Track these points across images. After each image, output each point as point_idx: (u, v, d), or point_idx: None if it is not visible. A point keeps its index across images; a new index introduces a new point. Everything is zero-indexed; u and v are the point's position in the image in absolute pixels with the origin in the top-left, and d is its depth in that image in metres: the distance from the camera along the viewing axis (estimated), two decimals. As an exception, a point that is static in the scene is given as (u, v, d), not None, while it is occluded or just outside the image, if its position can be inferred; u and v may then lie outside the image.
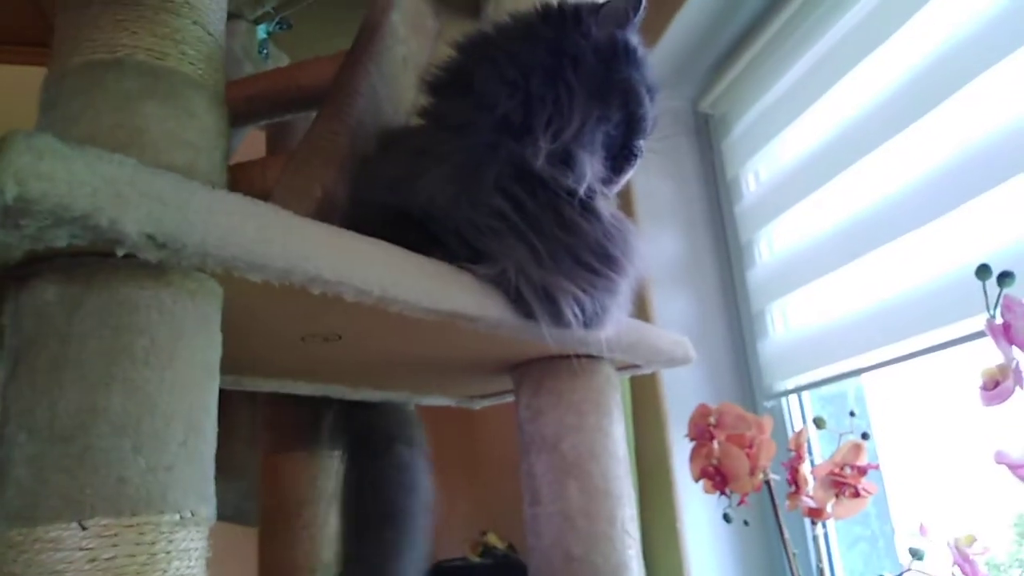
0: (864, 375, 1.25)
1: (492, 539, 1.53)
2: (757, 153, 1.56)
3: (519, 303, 0.62)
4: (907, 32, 1.15)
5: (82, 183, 0.36)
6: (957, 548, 0.91)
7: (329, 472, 0.95)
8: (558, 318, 0.62)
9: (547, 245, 0.62)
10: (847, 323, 1.27)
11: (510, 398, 0.88)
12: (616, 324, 0.68)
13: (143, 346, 0.43)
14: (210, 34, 0.52)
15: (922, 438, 1.21)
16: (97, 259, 0.42)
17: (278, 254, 0.45)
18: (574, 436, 0.75)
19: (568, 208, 0.63)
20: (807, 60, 1.41)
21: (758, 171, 1.59)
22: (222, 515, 0.48)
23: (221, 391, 0.48)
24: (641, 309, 0.88)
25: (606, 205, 0.69)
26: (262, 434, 0.97)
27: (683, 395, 1.47)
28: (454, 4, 0.94)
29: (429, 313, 0.56)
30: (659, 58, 1.67)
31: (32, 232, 0.37)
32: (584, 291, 0.63)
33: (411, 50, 0.81)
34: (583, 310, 0.63)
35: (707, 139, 1.76)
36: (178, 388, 0.44)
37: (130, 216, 0.38)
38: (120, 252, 0.40)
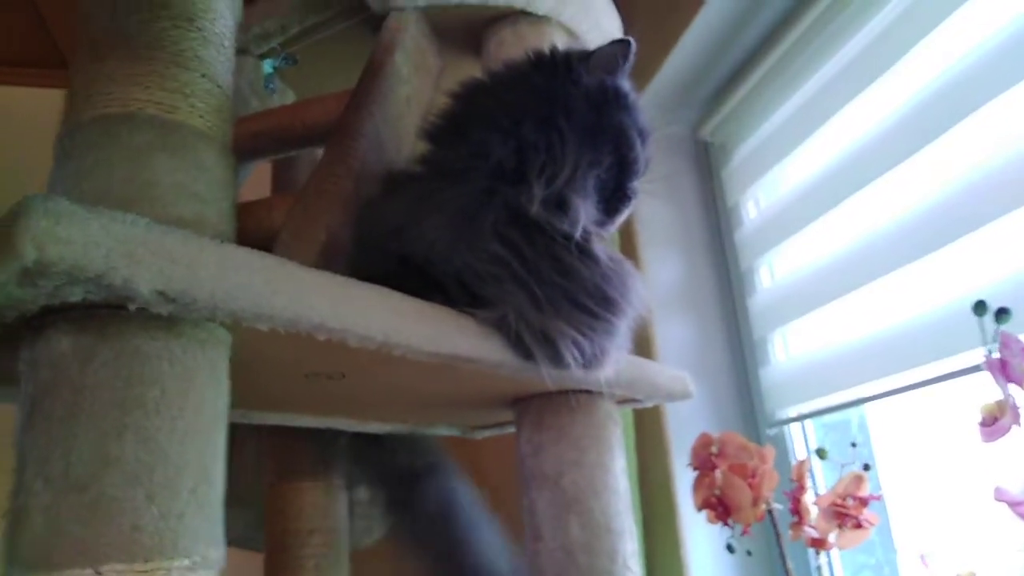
0: (867, 403, 1.26)
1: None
2: (757, 181, 1.57)
3: (519, 346, 0.63)
4: (908, 62, 1.16)
5: (97, 244, 0.37)
6: (958, 582, 0.92)
7: (336, 502, 0.96)
8: (558, 361, 0.63)
9: (545, 290, 0.63)
10: (848, 352, 1.28)
11: (511, 429, 0.89)
12: (615, 364, 0.69)
13: (154, 396, 0.44)
14: (219, 86, 0.54)
15: (926, 465, 1.21)
16: (110, 311, 0.43)
17: (284, 305, 0.46)
18: (575, 472, 0.75)
19: (565, 252, 0.64)
20: (807, 89, 1.43)
21: (758, 199, 1.61)
22: (229, 541, 0.49)
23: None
24: (642, 336, 0.89)
25: (603, 247, 0.70)
26: (267, 463, 0.98)
27: (686, 422, 1.47)
28: (456, 42, 0.96)
29: (431, 356, 0.57)
30: (659, 86, 1.69)
31: (49, 290, 0.39)
32: (583, 334, 0.64)
33: (414, 89, 0.83)
34: (582, 352, 0.64)
35: (707, 166, 1.78)
36: (189, 437, 0.45)
37: (142, 274, 0.39)
38: (132, 307, 0.41)
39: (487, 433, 1.01)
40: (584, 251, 0.66)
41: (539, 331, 0.63)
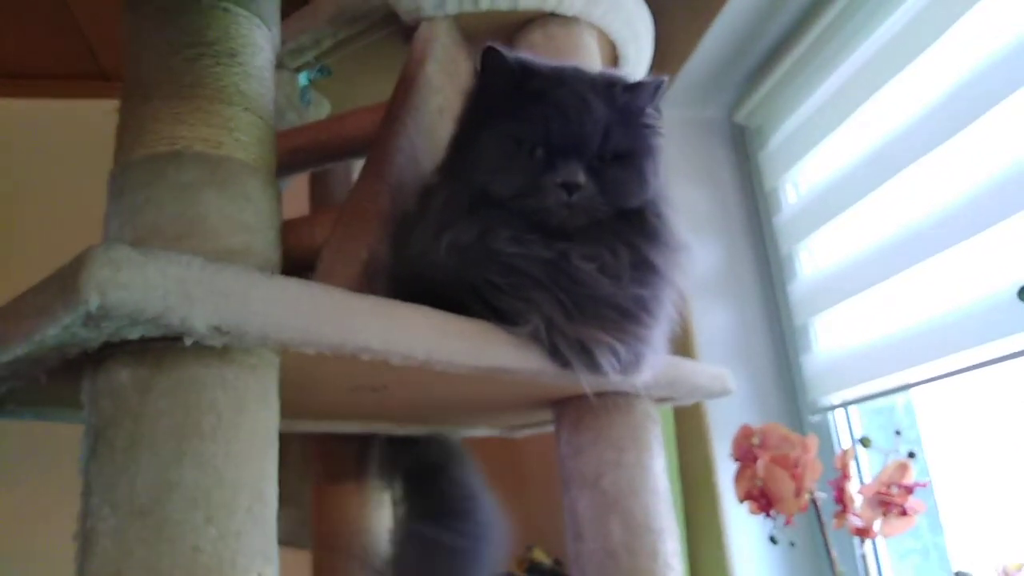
0: (912, 389, 1.25)
1: (538, 554, 1.55)
2: (796, 164, 1.55)
3: (556, 355, 0.64)
4: (949, 41, 1.13)
5: (155, 287, 0.40)
6: (1005, 574, 0.91)
7: (377, 503, 0.99)
8: (595, 368, 0.64)
9: (573, 296, 0.64)
10: (893, 337, 1.26)
11: (550, 428, 0.90)
12: (652, 368, 0.69)
13: (210, 422, 0.46)
14: (261, 118, 0.56)
15: (975, 449, 1.20)
16: (166, 343, 0.46)
17: (331, 331, 0.48)
18: (614, 472, 0.77)
19: (583, 261, 0.64)
20: (844, 70, 1.40)
21: (797, 183, 1.59)
22: (278, 540, 0.51)
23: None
24: (681, 324, 0.89)
25: (633, 247, 0.68)
26: (313, 466, 1.01)
27: (727, 410, 1.47)
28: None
29: (471, 370, 0.59)
30: (693, 70, 1.68)
31: (110, 331, 0.41)
32: (619, 340, 0.65)
33: (446, 98, 0.84)
34: (618, 359, 0.65)
35: (744, 150, 1.76)
36: (243, 459, 0.47)
37: (198, 312, 0.41)
38: (188, 342, 0.43)
39: (527, 432, 1.03)
40: (615, 252, 0.66)
41: (574, 340, 0.64)
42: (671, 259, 0.71)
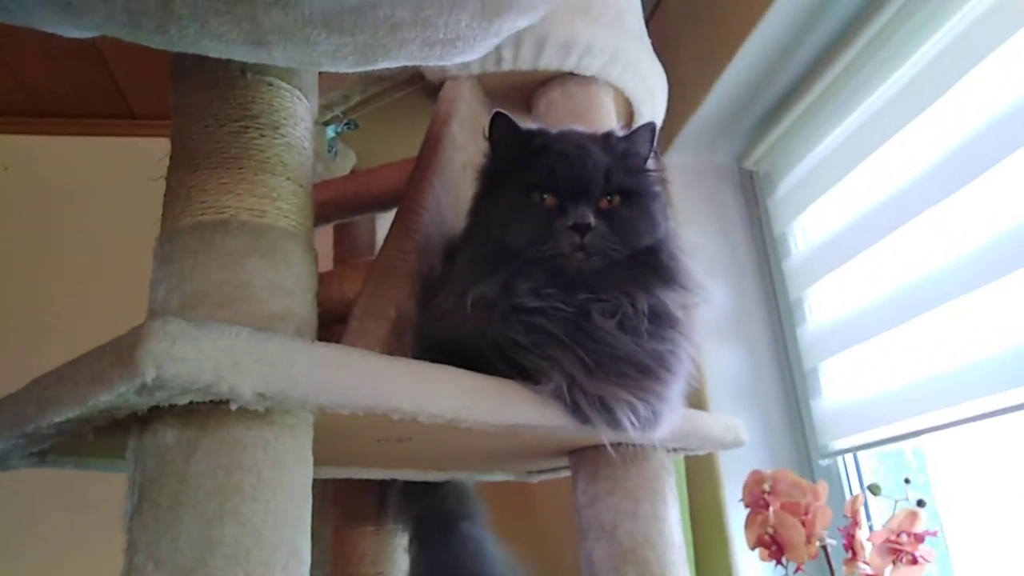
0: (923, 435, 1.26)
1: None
2: (805, 210, 1.58)
3: (577, 413, 0.66)
4: (959, 91, 1.15)
5: (207, 358, 0.42)
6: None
7: (395, 545, 1.00)
8: (615, 425, 0.66)
9: (593, 353, 0.66)
10: (903, 384, 1.28)
11: (566, 473, 0.92)
12: (670, 424, 0.71)
13: (251, 482, 0.48)
14: (301, 186, 0.59)
15: (987, 496, 1.21)
16: (210, 405, 0.48)
17: (365, 394, 0.50)
18: (630, 523, 0.78)
19: (602, 317, 0.66)
20: (854, 119, 1.43)
21: (806, 228, 1.61)
22: None
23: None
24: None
25: (651, 300, 0.70)
26: (332, 508, 1.03)
27: (737, 454, 1.47)
28: (509, 103, 1.00)
29: (495, 427, 0.61)
30: (703, 116, 1.72)
31: (162, 398, 0.43)
32: (638, 397, 0.67)
33: (470, 155, 0.87)
34: (638, 416, 0.67)
35: (753, 195, 1.79)
36: (281, 518, 0.49)
37: (245, 381, 0.44)
38: (234, 407, 0.46)
39: (542, 477, 1.05)
40: (633, 311, 0.68)
41: (595, 397, 0.66)
42: (688, 304, 0.73)
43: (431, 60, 0.47)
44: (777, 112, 1.64)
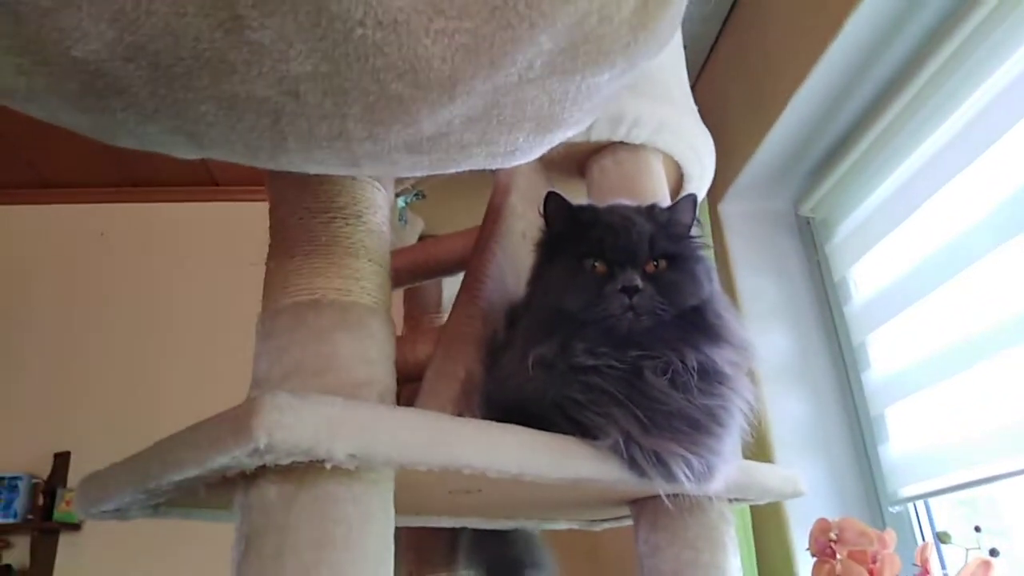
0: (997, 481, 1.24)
1: (619, 644, 1.56)
2: (864, 255, 1.59)
3: (634, 467, 0.70)
4: (1018, 133, 1.17)
5: (308, 425, 0.49)
6: None
7: (465, 590, 1.06)
8: (670, 478, 0.71)
9: (647, 410, 0.70)
10: (971, 429, 1.27)
11: (628, 522, 0.96)
12: (724, 477, 0.75)
13: (342, 532, 0.55)
14: (380, 267, 0.66)
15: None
16: (308, 464, 0.55)
17: (441, 453, 0.57)
18: (691, 571, 0.81)
19: (653, 374, 0.71)
20: (911, 164, 1.45)
21: (866, 273, 1.62)
22: None
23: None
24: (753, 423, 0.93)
25: (705, 354, 0.74)
26: (405, 555, 1.09)
27: (805, 502, 1.47)
28: (563, 171, 1.07)
29: (557, 480, 0.67)
30: (758, 164, 1.76)
31: (269, 460, 0.51)
32: (692, 452, 0.71)
33: (528, 223, 0.94)
34: (692, 470, 0.71)
35: (811, 241, 1.81)
36: (368, 565, 0.55)
37: (339, 444, 0.51)
38: (328, 466, 0.53)
39: (606, 525, 1.08)
40: (685, 368, 0.72)
41: (651, 452, 0.70)
42: (736, 361, 0.77)
43: (493, 166, 0.54)
44: (832, 158, 1.67)
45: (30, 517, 2.57)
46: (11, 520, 2.52)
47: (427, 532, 1.05)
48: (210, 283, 2.75)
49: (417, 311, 1.22)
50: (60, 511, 2.54)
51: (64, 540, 2.59)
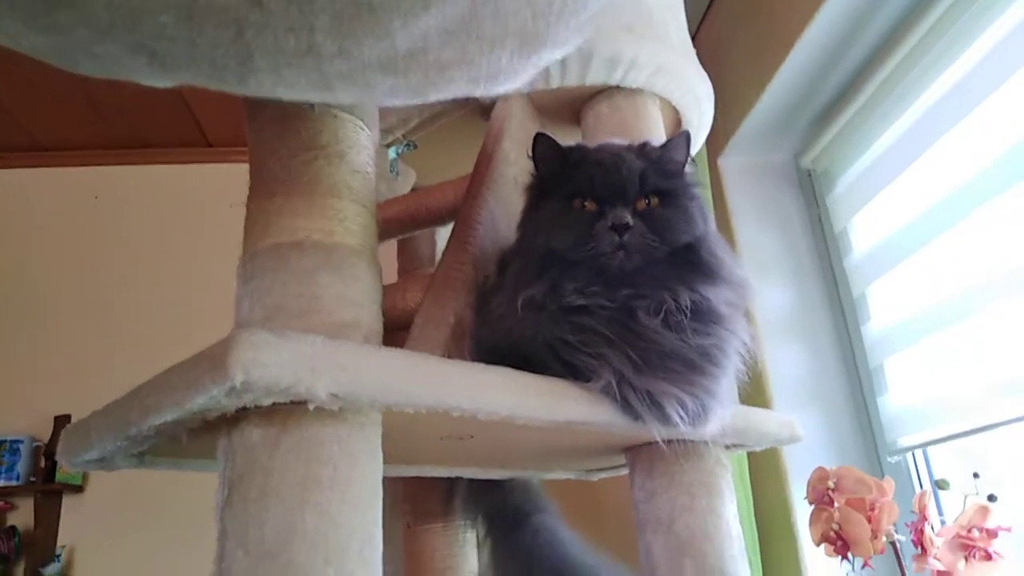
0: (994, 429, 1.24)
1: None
2: (865, 206, 1.57)
3: (627, 409, 0.69)
4: (1019, 80, 1.15)
5: (286, 363, 0.48)
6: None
7: (463, 541, 1.06)
8: (664, 420, 0.69)
9: (640, 350, 0.69)
10: (969, 379, 1.26)
11: (626, 471, 0.95)
12: (720, 420, 0.74)
13: (328, 475, 0.54)
14: (364, 207, 0.64)
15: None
16: (291, 406, 0.54)
17: (427, 394, 0.56)
18: (687, 517, 0.81)
19: (655, 312, 0.69)
20: (912, 113, 1.42)
21: (867, 225, 1.60)
22: None
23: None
24: (753, 368, 0.91)
25: (703, 292, 0.72)
26: (403, 507, 1.09)
27: (804, 452, 1.48)
28: (558, 117, 1.04)
29: (549, 423, 0.65)
30: (758, 117, 1.73)
31: (249, 400, 0.49)
32: (686, 392, 0.70)
33: (520, 169, 0.92)
34: (686, 411, 0.70)
35: (812, 193, 1.78)
36: (355, 507, 0.55)
37: (320, 383, 0.49)
38: (311, 407, 0.51)
39: (603, 475, 1.08)
40: (679, 308, 0.70)
41: (644, 392, 0.69)
42: (731, 300, 0.75)
43: (477, 92, 0.51)
44: (833, 109, 1.64)
45: (32, 479, 2.59)
46: (14, 482, 2.54)
47: (423, 484, 1.05)
48: (205, 244, 2.74)
49: (410, 264, 1.20)
50: (62, 473, 2.56)
51: (67, 502, 2.61)
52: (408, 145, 1.07)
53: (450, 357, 0.74)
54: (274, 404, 0.53)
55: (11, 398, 2.69)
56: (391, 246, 1.25)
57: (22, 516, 2.59)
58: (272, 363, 0.47)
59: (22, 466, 2.57)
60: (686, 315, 0.69)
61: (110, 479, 2.64)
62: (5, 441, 2.58)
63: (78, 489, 2.62)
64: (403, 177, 1.15)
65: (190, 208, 2.86)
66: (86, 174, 2.97)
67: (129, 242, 2.89)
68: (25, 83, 2.38)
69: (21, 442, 2.59)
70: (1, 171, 2.96)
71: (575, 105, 1.02)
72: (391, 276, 1.18)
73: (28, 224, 2.93)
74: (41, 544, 2.51)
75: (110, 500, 2.60)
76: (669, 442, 0.80)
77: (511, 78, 0.51)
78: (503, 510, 0.98)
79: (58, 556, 2.50)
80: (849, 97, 1.57)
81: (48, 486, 2.56)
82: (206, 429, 0.57)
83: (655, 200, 0.73)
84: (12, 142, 2.84)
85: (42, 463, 2.61)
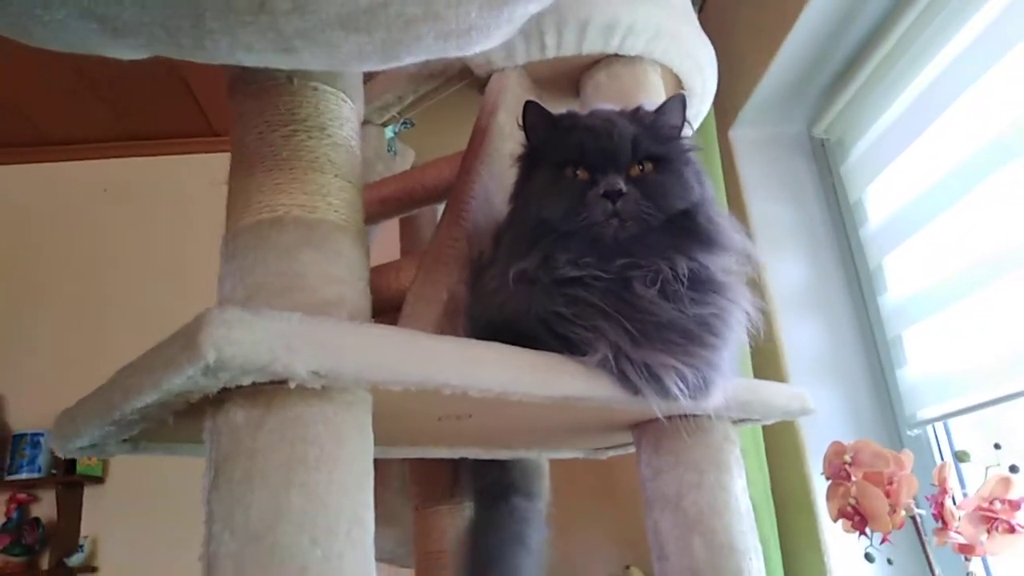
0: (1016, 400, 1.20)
1: (635, 573, 1.56)
2: (880, 175, 1.53)
3: (625, 382, 0.67)
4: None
5: (262, 341, 0.46)
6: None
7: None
8: (664, 393, 0.67)
9: (637, 322, 0.66)
10: (987, 350, 1.23)
11: (633, 449, 0.93)
12: (723, 391, 0.71)
13: (314, 455, 0.52)
14: (349, 182, 0.62)
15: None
16: (274, 386, 0.52)
17: (415, 371, 0.54)
18: (695, 493, 0.79)
19: (651, 282, 0.67)
20: (924, 78, 1.38)
21: (882, 194, 1.56)
22: (380, 558, 0.56)
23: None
24: (767, 341, 0.88)
25: (702, 262, 0.70)
26: (412, 488, 1.08)
27: (822, 427, 1.46)
28: (556, 89, 1.02)
29: (545, 399, 0.63)
30: (768, 87, 1.69)
31: (226, 379, 0.48)
32: (686, 364, 0.67)
33: (516, 143, 0.89)
34: (687, 383, 0.67)
35: (825, 164, 1.74)
36: (343, 488, 0.53)
37: (299, 360, 0.48)
38: (292, 385, 0.50)
39: (611, 453, 1.06)
40: (675, 276, 0.68)
41: (642, 365, 0.66)
42: (731, 268, 0.73)
43: (450, 51, 0.49)
44: (844, 77, 1.60)
45: (54, 472, 2.62)
46: (36, 475, 2.58)
47: (430, 466, 1.04)
48: (218, 232, 2.74)
49: (413, 244, 1.18)
50: (83, 465, 2.59)
51: (88, 492, 2.65)
52: (405, 123, 1.05)
53: (443, 334, 0.72)
54: (257, 384, 0.52)
55: (31, 392, 2.72)
56: (394, 227, 1.23)
57: (45, 508, 2.63)
58: (246, 340, 0.46)
59: (43, 459, 2.60)
60: (683, 284, 0.67)
61: (129, 470, 2.69)
62: (26, 435, 2.61)
63: (99, 480, 2.65)
64: (401, 157, 1.13)
65: (201, 197, 2.87)
66: (94, 167, 2.98)
67: (139, 233, 2.91)
68: (32, 78, 2.39)
69: (42, 435, 2.62)
70: (10, 167, 2.98)
71: (573, 76, 0.99)
72: (396, 258, 1.17)
73: (38, 218, 2.95)
74: (64, 535, 2.54)
75: (130, 490, 2.63)
76: (672, 418, 0.78)
77: (484, 35, 0.48)
78: (494, 486, 0.97)
79: (81, 546, 2.53)
80: (860, 62, 1.52)
81: (69, 478, 2.59)
82: (192, 412, 0.56)
83: (649, 166, 0.70)
84: (20, 137, 2.86)
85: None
